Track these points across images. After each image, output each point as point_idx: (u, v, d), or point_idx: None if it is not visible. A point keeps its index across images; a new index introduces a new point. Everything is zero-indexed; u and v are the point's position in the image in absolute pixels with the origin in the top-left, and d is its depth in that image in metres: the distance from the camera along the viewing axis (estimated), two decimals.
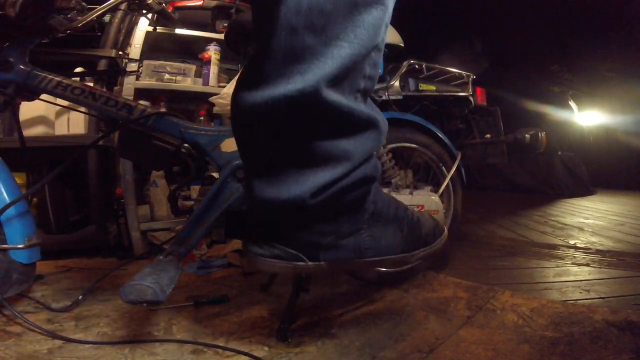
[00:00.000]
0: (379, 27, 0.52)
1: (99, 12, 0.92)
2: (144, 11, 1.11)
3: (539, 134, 1.41)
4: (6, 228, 0.83)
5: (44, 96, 0.88)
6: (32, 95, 0.88)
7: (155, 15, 1.14)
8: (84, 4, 0.88)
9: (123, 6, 1.14)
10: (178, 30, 1.58)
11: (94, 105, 0.87)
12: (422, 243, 0.68)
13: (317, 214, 0.57)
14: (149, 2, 1.05)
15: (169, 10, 1.14)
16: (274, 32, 0.47)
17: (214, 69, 1.63)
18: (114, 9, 1.06)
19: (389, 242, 0.64)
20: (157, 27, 1.50)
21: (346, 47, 0.49)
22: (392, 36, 1.20)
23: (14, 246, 0.83)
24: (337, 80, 0.50)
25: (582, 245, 1.62)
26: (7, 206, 0.81)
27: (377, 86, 1.13)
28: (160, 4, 1.08)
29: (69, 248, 1.43)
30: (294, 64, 0.48)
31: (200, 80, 1.64)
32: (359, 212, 0.61)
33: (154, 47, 1.68)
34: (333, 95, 0.50)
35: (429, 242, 0.69)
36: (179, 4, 1.54)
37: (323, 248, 0.60)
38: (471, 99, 1.39)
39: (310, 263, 0.59)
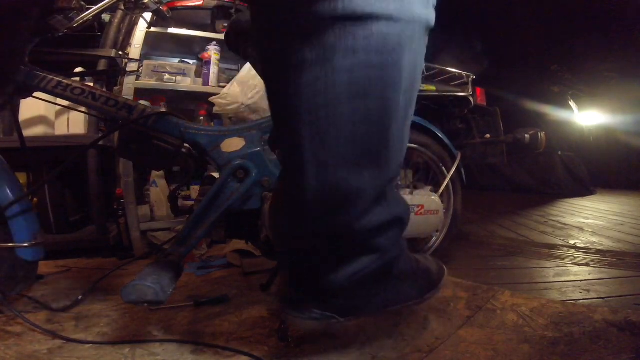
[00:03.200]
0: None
1: (96, 12, 0.92)
2: (138, 10, 1.11)
3: (539, 134, 1.41)
4: (12, 226, 0.84)
5: (44, 96, 0.88)
6: (27, 93, 0.88)
7: (152, 14, 1.14)
8: (83, 3, 0.88)
9: (121, 6, 1.13)
10: (178, 30, 1.58)
11: (94, 105, 0.87)
12: (432, 286, 0.76)
13: (353, 290, 0.63)
14: (146, 1, 1.05)
15: (164, 10, 1.14)
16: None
17: (214, 69, 1.63)
18: (111, 9, 1.06)
19: (407, 291, 0.71)
20: (154, 27, 1.51)
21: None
22: None
23: (20, 244, 0.83)
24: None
25: (582, 245, 1.62)
26: (13, 202, 0.81)
27: None
28: (157, 3, 1.08)
29: (69, 248, 1.43)
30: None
31: (200, 80, 1.64)
32: (387, 279, 0.67)
33: (154, 47, 1.68)
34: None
35: (436, 284, 0.77)
36: (179, 4, 1.54)
37: (355, 310, 0.65)
38: (471, 99, 1.39)
39: (342, 319, 0.64)
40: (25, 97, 0.90)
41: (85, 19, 0.89)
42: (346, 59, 0.50)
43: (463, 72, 1.36)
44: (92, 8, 0.91)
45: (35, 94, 0.89)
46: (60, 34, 0.88)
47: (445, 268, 0.81)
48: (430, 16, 0.56)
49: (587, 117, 4.84)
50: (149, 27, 1.48)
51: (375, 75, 0.52)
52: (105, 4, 0.95)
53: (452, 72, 1.33)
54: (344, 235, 0.59)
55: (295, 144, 0.54)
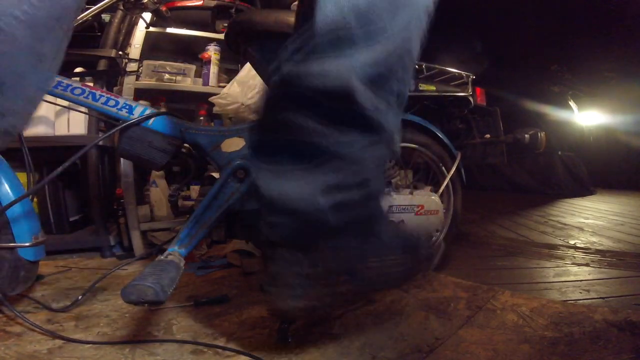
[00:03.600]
0: (411, 30, 0.52)
1: (95, 11, 0.92)
2: (137, 10, 1.11)
3: (539, 134, 1.41)
4: (13, 226, 0.84)
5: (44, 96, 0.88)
6: None
7: (151, 14, 1.14)
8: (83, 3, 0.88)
9: (120, 6, 1.14)
10: (178, 31, 1.58)
11: (95, 106, 0.87)
12: (415, 264, 0.71)
13: (333, 230, 0.57)
14: (145, 1, 1.05)
15: (163, 10, 1.14)
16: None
17: (214, 69, 1.63)
18: (110, 8, 1.06)
19: (391, 248, 0.67)
20: (154, 27, 1.51)
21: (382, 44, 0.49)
22: None
23: (21, 244, 0.83)
24: (371, 75, 0.50)
25: (582, 245, 1.62)
26: (14, 202, 0.82)
27: None
28: (156, 3, 1.08)
29: (69, 248, 1.43)
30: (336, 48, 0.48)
31: (200, 80, 1.64)
32: (367, 234, 0.63)
33: (154, 47, 1.68)
34: (363, 89, 0.50)
35: (417, 267, 0.73)
36: (179, 4, 1.54)
37: (334, 283, 0.62)
38: (471, 99, 1.39)
39: (326, 298, 0.62)
40: None
41: (85, 18, 0.89)
42: None
43: (463, 72, 1.36)
44: (92, 8, 0.91)
45: None
46: None
47: (434, 255, 0.78)
48: None
49: (587, 117, 4.84)
50: (147, 27, 1.48)
51: None
52: (105, 4, 0.95)
53: (452, 72, 1.33)
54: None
55: None
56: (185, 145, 0.90)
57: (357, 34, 0.48)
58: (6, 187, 0.85)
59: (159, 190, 1.54)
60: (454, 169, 1.27)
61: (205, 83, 1.63)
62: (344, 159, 0.54)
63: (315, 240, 0.59)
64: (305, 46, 0.50)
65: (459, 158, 1.29)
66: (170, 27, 1.57)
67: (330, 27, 0.48)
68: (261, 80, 1.18)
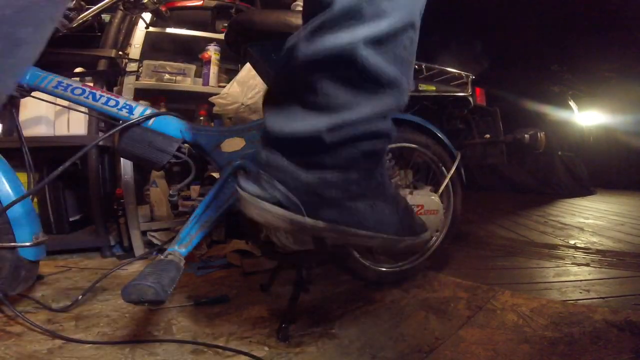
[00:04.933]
0: (414, 4, 0.55)
1: (95, 12, 0.92)
2: (137, 10, 1.11)
3: (538, 134, 1.41)
4: (14, 226, 0.84)
5: (44, 96, 0.88)
6: (25, 92, 0.88)
7: (151, 14, 1.14)
8: (82, 3, 0.88)
9: (120, 6, 1.14)
10: (178, 31, 1.58)
11: (95, 106, 0.87)
12: (412, 232, 0.68)
13: (330, 153, 0.55)
14: (145, 1, 1.05)
15: (162, 10, 1.14)
16: None
17: (214, 69, 1.63)
18: (110, 8, 1.06)
19: (386, 219, 0.63)
20: (154, 27, 1.51)
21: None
22: None
23: (22, 244, 0.83)
24: (378, 41, 0.52)
25: (582, 245, 1.62)
26: (15, 202, 0.82)
27: None
28: (155, 3, 1.08)
29: (69, 248, 1.43)
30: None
31: (200, 80, 1.64)
32: (369, 176, 0.60)
33: (154, 47, 1.68)
34: (371, 54, 0.52)
35: (417, 232, 0.69)
36: (179, 4, 1.54)
37: (326, 204, 0.57)
38: (470, 99, 1.39)
39: (307, 219, 0.54)
40: (24, 97, 0.90)
41: (85, 18, 0.89)
42: None
43: (463, 72, 1.36)
44: (91, 8, 0.91)
45: (35, 94, 0.89)
46: (60, 34, 0.88)
47: (427, 227, 0.75)
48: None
49: (587, 117, 4.84)
50: (147, 27, 1.48)
51: None
52: (105, 4, 0.95)
53: (452, 72, 1.33)
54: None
55: None
56: (186, 145, 0.90)
57: (367, 11, 0.51)
58: (7, 187, 0.85)
59: (159, 190, 1.54)
60: (453, 169, 1.27)
61: (205, 83, 1.63)
62: (352, 102, 0.55)
63: (316, 162, 0.56)
64: (321, 24, 0.53)
65: (458, 158, 1.29)
66: (170, 27, 1.57)
67: (346, 8, 0.51)
68: (261, 80, 1.18)
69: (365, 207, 0.61)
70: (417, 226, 0.70)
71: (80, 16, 0.88)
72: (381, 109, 0.57)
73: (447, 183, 1.26)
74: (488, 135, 1.46)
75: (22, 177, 0.92)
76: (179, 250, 0.82)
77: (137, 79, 1.49)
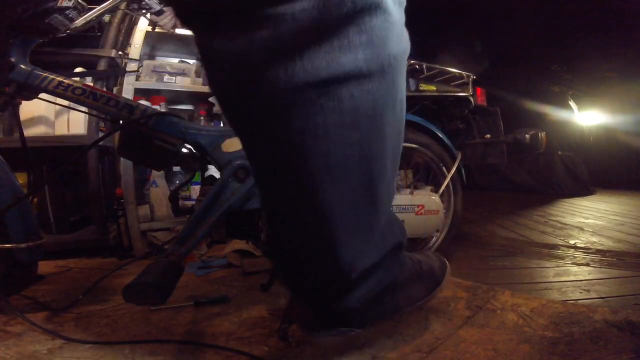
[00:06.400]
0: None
1: (98, 12, 0.92)
2: (143, 11, 1.11)
3: (539, 134, 1.41)
4: (10, 227, 0.84)
5: (44, 96, 0.88)
6: (32, 94, 0.88)
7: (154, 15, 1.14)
8: (83, 3, 0.88)
9: (122, 6, 1.14)
10: (178, 30, 1.58)
11: (95, 106, 0.87)
12: (437, 283, 0.77)
13: (365, 307, 0.62)
14: (148, 2, 1.05)
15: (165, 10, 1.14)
16: None
17: None
18: (113, 9, 1.06)
19: (417, 295, 0.72)
20: (154, 27, 1.50)
21: None
22: None
23: (17, 245, 0.83)
24: None
25: (582, 245, 1.62)
26: (11, 205, 0.81)
27: None
28: (159, 4, 1.09)
29: (69, 248, 1.43)
30: None
31: (200, 80, 1.64)
32: (394, 288, 0.66)
33: (154, 47, 1.68)
34: None
35: (441, 280, 0.78)
36: None
37: (370, 319, 0.65)
38: (471, 99, 1.39)
39: (359, 330, 0.64)
40: (29, 99, 0.90)
41: (89, 19, 0.89)
42: (317, 140, 0.43)
43: (463, 72, 1.36)
44: (91, 8, 0.91)
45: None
46: (63, 35, 0.88)
47: (447, 262, 0.83)
48: (406, 45, 0.50)
49: (587, 117, 4.85)
50: (152, 28, 1.47)
51: (355, 152, 0.47)
52: (109, 4, 0.95)
53: (453, 72, 1.33)
54: (340, 276, 0.57)
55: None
56: (186, 145, 0.90)
57: None
58: (6, 187, 0.85)
59: (159, 190, 1.54)
60: (454, 169, 1.27)
61: (205, 83, 1.63)
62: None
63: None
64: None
65: (459, 158, 1.29)
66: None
67: None
68: None
69: (397, 297, 0.68)
70: (438, 272, 0.78)
71: (83, 17, 0.88)
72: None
73: (448, 183, 1.26)
74: (489, 135, 1.46)
75: (22, 177, 0.92)
76: (179, 250, 0.82)
77: (137, 79, 1.49)
